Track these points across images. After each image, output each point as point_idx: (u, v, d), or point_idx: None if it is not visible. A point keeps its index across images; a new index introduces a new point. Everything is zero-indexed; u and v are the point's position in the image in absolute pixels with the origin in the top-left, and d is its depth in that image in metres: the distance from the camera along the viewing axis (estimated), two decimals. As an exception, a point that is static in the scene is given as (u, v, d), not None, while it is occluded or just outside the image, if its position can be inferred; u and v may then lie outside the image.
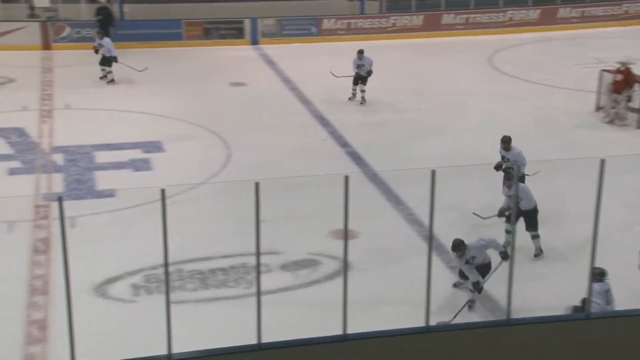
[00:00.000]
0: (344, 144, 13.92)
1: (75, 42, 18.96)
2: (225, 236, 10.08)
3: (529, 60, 20.52)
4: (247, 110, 15.83)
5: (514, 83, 18.22)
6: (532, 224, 9.51)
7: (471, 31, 23.20)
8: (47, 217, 10.62)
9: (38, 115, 15.23)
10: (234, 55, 20.46)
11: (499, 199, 10.19)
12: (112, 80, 17.40)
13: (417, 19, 23.14)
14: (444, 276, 9.00)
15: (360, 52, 15.90)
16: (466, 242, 8.21)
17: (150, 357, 3.30)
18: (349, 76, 16.00)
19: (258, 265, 3.67)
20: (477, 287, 8.19)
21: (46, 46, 20.41)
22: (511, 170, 10.12)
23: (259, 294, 3.46)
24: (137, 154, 13.19)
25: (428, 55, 20.84)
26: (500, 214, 9.84)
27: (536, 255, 9.58)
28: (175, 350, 3.29)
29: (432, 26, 23.04)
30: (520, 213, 9.42)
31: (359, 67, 15.87)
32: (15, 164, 12.71)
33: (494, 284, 8.71)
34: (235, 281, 9.09)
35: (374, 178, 12.20)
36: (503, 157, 10.61)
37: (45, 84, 17.44)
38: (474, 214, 10.20)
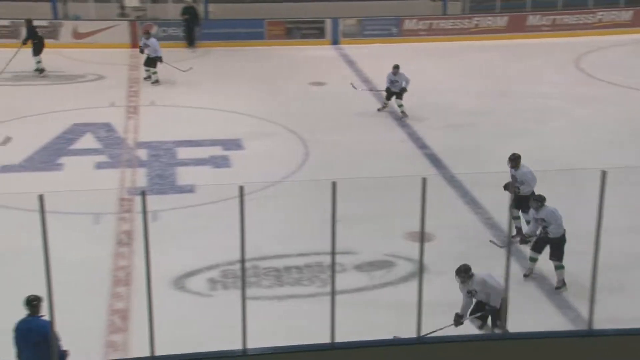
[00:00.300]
0: (422, 145, 13.79)
1: (161, 41, 19.42)
2: (301, 234, 10.15)
3: (618, 63, 19.78)
4: (326, 110, 15.89)
5: (602, 86, 17.60)
6: (557, 253, 8.65)
7: (558, 33, 22.54)
8: (131, 210, 10.96)
9: (125, 111, 15.74)
10: (315, 54, 20.58)
11: (573, 208, 9.56)
12: (156, 81, 17.40)
13: (501, 20, 22.67)
14: (522, 282, 8.83)
15: (396, 67, 15.03)
16: (478, 273, 7.58)
17: (226, 350, 3.36)
18: (371, 90, 15.35)
19: (333, 264, 3.68)
20: (457, 321, 7.59)
21: (134, 44, 21.06)
22: (518, 191, 9.44)
23: (333, 293, 3.47)
24: (217, 151, 13.45)
25: (512, 56, 20.38)
26: (523, 240, 9.29)
27: (557, 288, 8.71)
28: (250, 345, 3.33)
29: (516, 27, 22.52)
30: (546, 240, 8.74)
31: (392, 82, 15.04)
32: (102, 158, 13.18)
33: (576, 292, 8.45)
34: (309, 280, 9.15)
35: (452, 181, 12.04)
36: (513, 176, 9.73)
37: (132, 81, 18.01)
38: (490, 241, 9.60)
